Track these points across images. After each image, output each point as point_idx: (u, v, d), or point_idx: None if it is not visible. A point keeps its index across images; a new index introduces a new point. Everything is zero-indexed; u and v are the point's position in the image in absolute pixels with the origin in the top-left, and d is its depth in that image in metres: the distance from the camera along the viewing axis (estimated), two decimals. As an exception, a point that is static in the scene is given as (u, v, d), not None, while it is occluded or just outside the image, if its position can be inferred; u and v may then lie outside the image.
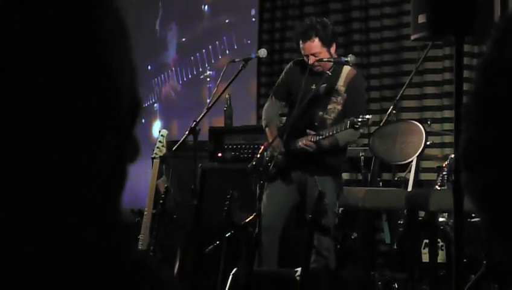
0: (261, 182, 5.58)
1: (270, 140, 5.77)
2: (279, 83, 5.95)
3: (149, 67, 10.59)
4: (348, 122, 5.27)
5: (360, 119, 5.21)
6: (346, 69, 5.66)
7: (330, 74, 5.59)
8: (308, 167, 5.60)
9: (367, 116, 5.24)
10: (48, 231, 0.73)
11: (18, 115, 0.71)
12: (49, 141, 0.72)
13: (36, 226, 0.73)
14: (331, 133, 5.42)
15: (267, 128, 5.91)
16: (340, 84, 5.63)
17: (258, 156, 5.77)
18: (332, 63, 5.60)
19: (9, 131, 0.70)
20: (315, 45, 5.57)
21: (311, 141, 5.49)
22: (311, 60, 5.58)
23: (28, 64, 0.71)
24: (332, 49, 5.63)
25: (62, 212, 0.74)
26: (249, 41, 9.53)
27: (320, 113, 5.62)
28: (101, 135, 0.76)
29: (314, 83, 5.61)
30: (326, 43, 5.58)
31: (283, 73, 5.98)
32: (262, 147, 5.85)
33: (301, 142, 5.53)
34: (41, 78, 0.72)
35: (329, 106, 5.63)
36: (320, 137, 5.46)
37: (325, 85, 5.64)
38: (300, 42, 5.63)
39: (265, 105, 6.05)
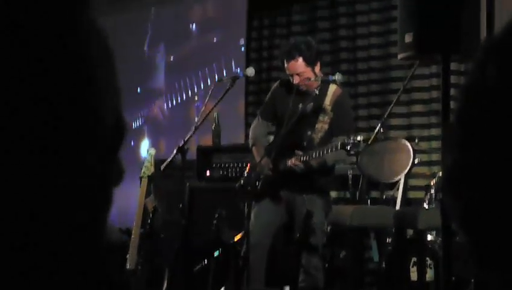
0: (249, 200, 5.57)
1: (257, 159, 5.77)
2: (265, 103, 5.96)
3: (138, 89, 10.58)
4: (339, 143, 5.26)
5: (351, 141, 5.22)
6: (333, 87, 5.67)
7: (317, 92, 5.60)
8: (296, 185, 5.59)
9: (358, 138, 5.25)
10: (29, 253, 0.73)
11: None
12: (30, 162, 0.72)
13: (16, 248, 0.72)
14: (320, 154, 5.42)
15: (253, 148, 5.91)
16: (327, 103, 5.64)
17: (246, 174, 5.77)
18: (319, 83, 5.60)
19: None
20: (299, 64, 5.58)
21: (299, 161, 5.49)
22: (296, 79, 5.59)
23: (8, 87, 0.71)
24: (317, 68, 5.64)
25: (43, 235, 0.74)
26: (235, 60, 9.54)
27: (309, 132, 5.62)
28: (83, 157, 0.75)
29: (301, 102, 5.62)
30: (310, 63, 5.59)
31: (269, 93, 5.99)
32: (248, 167, 5.85)
33: (290, 162, 5.53)
34: (22, 99, 0.71)
35: (317, 125, 5.64)
36: (308, 157, 5.46)
37: (312, 104, 5.64)
38: (285, 62, 5.64)
39: (252, 125, 6.06)
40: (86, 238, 0.78)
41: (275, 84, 5.98)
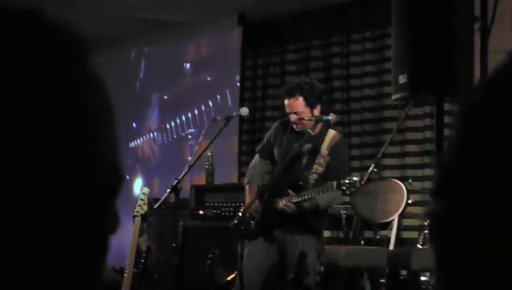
0: (243, 240, 5.55)
1: (248, 199, 5.76)
2: (264, 143, 5.95)
3: (134, 124, 10.60)
4: (335, 183, 5.26)
5: (347, 181, 5.22)
6: (331, 133, 5.67)
7: (312, 132, 5.60)
8: (288, 225, 5.57)
9: (354, 178, 5.25)
10: None
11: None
12: (29, 210, 0.72)
13: None
14: (312, 195, 5.41)
15: (247, 186, 5.90)
16: (324, 147, 5.64)
17: (239, 214, 5.75)
18: (313, 122, 5.60)
19: None
20: (298, 103, 5.58)
21: (291, 202, 5.47)
22: (293, 117, 5.60)
23: (7, 136, 0.71)
24: (316, 111, 5.63)
25: (43, 282, 0.74)
26: (230, 99, 9.57)
27: (306, 173, 5.62)
28: (81, 205, 0.75)
29: (297, 142, 5.62)
30: (310, 104, 5.59)
31: (268, 132, 5.98)
32: (242, 207, 5.84)
33: (281, 203, 5.51)
34: (20, 148, 0.71)
35: (313, 167, 5.64)
36: (301, 199, 5.45)
37: (309, 145, 5.64)
38: (286, 99, 5.65)
39: (251, 162, 6.04)
40: (84, 285, 0.78)
41: (275, 124, 5.96)
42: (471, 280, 0.75)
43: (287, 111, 5.66)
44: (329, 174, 5.56)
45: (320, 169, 5.62)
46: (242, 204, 5.92)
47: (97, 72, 0.80)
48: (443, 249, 0.78)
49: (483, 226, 0.74)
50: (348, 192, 5.41)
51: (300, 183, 5.57)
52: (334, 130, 5.68)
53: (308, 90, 5.58)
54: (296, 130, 5.62)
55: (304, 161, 5.65)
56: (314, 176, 5.61)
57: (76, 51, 0.78)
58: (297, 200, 5.46)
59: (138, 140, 10.66)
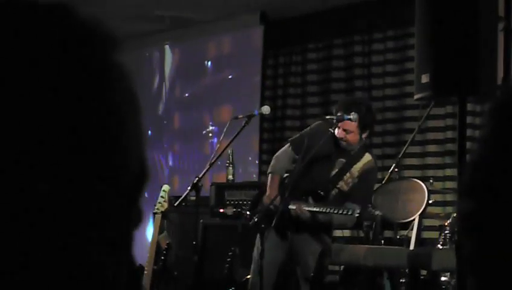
0: (263, 237, 5.54)
1: (269, 189, 5.74)
2: (301, 135, 5.88)
3: (149, 131, 10.62)
4: (358, 211, 5.25)
5: (370, 214, 5.23)
6: (367, 157, 5.66)
7: (352, 154, 5.60)
8: (301, 225, 5.57)
9: (377, 212, 5.26)
10: None
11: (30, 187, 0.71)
12: (65, 204, 0.73)
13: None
14: (330, 211, 5.40)
15: (270, 175, 5.86)
16: (356, 168, 5.63)
17: (261, 207, 5.74)
18: (357, 148, 5.61)
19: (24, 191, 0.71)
20: (352, 123, 5.54)
21: (308, 209, 5.47)
22: (341, 134, 5.55)
23: (38, 130, 0.71)
24: (364, 135, 5.63)
25: (69, 274, 0.74)
26: (253, 95, 9.57)
27: (330, 186, 5.62)
28: (109, 205, 0.76)
29: (332, 150, 5.60)
30: (362, 127, 5.57)
31: (308, 129, 5.90)
32: (266, 198, 5.78)
33: (297, 208, 5.49)
34: (53, 144, 0.72)
35: (339, 183, 5.63)
36: (319, 210, 5.44)
37: (343, 161, 5.62)
38: (339, 113, 5.58)
39: (280, 152, 5.98)
40: (110, 279, 0.78)
41: (319, 123, 5.89)
42: (503, 281, 0.74)
43: (338, 125, 5.58)
44: (353, 196, 5.56)
45: (345, 187, 5.63)
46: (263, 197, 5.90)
47: (124, 66, 0.80)
48: (473, 250, 0.77)
49: None
50: (365, 223, 5.42)
51: (322, 193, 5.56)
52: (371, 155, 5.68)
53: (364, 112, 5.55)
54: (340, 145, 5.60)
55: (333, 173, 5.65)
56: (337, 191, 5.62)
57: (103, 45, 0.78)
58: (314, 209, 5.45)
59: (159, 137, 10.67)
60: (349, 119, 5.46)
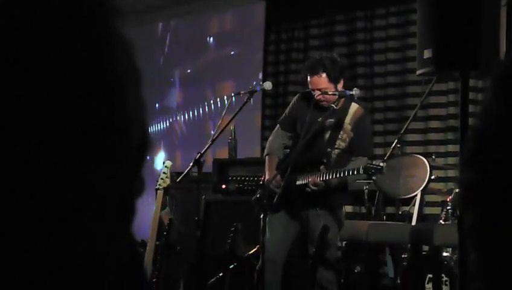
0: (265, 214, 5.55)
1: (267, 171, 5.76)
2: (285, 115, 5.94)
3: (156, 104, 10.61)
4: (362, 168, 5.25)
5: (374, 166, 5.21)
6: (354, 107, 5.64)
7: (335, 107, 5.58)
8: (310, 200, 5.57)
9: (381, 164, 5.24)
10: (57, 262, 0.74)
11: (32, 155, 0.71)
12: (69, 176, 0.73)
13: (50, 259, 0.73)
14: (342, 174, 5.39)
15: (267, 157, 5.88)
16: (347, 121, 5.61)
17: (261, 188, 5.76)
18: (337, 98, 5.58)
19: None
20: (322, 80, 5.56)
21: (321, 179, 5.46)
22: (317, 95, 5.57)
23: (42, 100, 0.72)
24: (340, 86, 5.61)
25: (76, 242, 0.75)
26: (255, 71, 9.56)
27: (328, 149, 5.60)
28: (112, 176, 0.76)
29: (320, 116, 5.60)
30: (333, 80, 5.56)
31: (290, 105, 5.96)
32: (264, 179, 5.84)
33: (311, 180, 5.48)
34: (56, 114, 0.72)
35: (336, 143, 5.62)
36: (331, 176, 5.43)
37: (332, 120, 5.61)
38: (308, 76, 5.62)
39: (271, 135, 6.04)
40: (118, 241, 0.79)
41: (296, 96, 5.94)
42: (505, 250, 0.74)
43: (310, 88, 5.64)
44: (355, 150, 5.55)
45: (343, 145, 5.60)
46: (261, 177, 5.92)
47: (126, 38, 0.80)
48: (475, 222, 0.77)
49: None
50: (373, 177, 5.40)
51: (323, 160, 5.56)
52: (357, 104, 5.65)
53: (330, 66, 5.55)
54: (321, 105, 5.60)
55: (327, 136, 5.64)
56: (337, 151, 5.60)
57: (105, 14, 0.78)
58: (327, 177, 5.44)
59: (161, 114, 10.67)
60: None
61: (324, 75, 5.54)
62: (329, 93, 5.56)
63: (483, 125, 0.80)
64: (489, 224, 0.76)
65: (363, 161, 5.38)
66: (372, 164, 5.23)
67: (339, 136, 5.61)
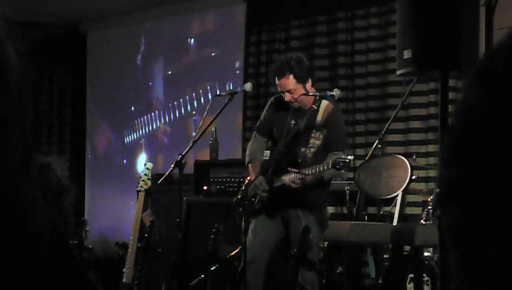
0: (247, 216, 5.55)
1: (252, 177, 5.76)
2: (261, 120, 5.94)
3: (132, 108, 10.60)
4: (330, 162, 5.25)
5: (341, 160, 5.20)
6: (324, 103, 5.64)
7: (315, 108, 5.59)
8: (291, 201, 5.58)
9: (349, 157, 5.23)
10: None
11: None
12: None
13: None
14: (315, 172, 5.39)
15: (249, 165, 5.88)
16: (319, 119, 5.61)
17: (243, 189, 5.77)
18: (312, 98, 5.58)
19: None
20: (290, 82, 5.54)
21: (296, 178, 5.46)
22: (287, 97, 5.56)
23: None
24: (308, 85, 5.60)
25: None
26: (236, 72, 9.56)
27: (303, 149, 5.60)
28: None
29: (294, 118, 5.60)
30: (301, 80, 5.55)
31: (264, 110, 5.96)
32: (246, 181, 5.85)
33: (287, 179, 5.50)
34: None
35: (310, 142, 5.62)
36: (304, 175, 5.44)
37: (304, 121, 5.62)
38: (276, 79, 5.61)
39: (250, 142, 6.04)
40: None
41: (270, 101, 5.95)
42: (486, 249, 0.73)
43: (279, 90, 5.63)
44: (330, 146, 5.56)
45: (317, 143, 5.61)
46: (246, 179, 5.93)
47: (13, 60, 0.79)
48: (454, 220, 0.77)
49: (499, 193, 0.72)
50: (342, 171, 5.40)
51: (299, 160, 5.56)
52: (327, 100, 5.64)
53: (296, 67, 5.54)
54: (294, 107, 5.59)
55: (301, 137, 5.64)
56: (312, 150, 5.60)
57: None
58: (300, 176, 5.45)
59: (142, 116, 10.65)
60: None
61: (291, 76, 5.53)
62: (310, 94, 5.57)
63: (462, 121, 0.79)
64: (469, 222, 0.76)
65: (334, 157, 5.37)
66: (340, 158, 5.23)
67: (312, 135, 5.61)
